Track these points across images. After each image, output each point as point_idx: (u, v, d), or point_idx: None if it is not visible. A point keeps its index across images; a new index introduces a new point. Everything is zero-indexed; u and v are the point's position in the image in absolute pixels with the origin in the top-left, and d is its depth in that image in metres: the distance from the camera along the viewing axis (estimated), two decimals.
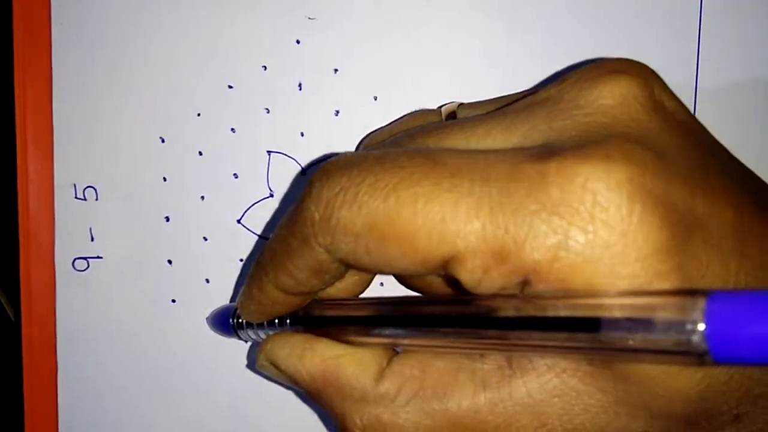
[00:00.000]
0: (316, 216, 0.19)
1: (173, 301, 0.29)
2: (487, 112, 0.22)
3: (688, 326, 0.15)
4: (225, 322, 0.26)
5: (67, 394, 0.29)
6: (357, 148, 0.29)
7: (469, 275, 0.18)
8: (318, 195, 0.19)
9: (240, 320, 0.25)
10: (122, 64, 0.28)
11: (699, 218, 0.17)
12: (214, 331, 0.28)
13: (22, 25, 0.28)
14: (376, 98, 0.29)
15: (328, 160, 0.20)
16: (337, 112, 0.29)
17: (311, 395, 0.22)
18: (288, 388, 0.29)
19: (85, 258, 0.29)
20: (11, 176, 0.28)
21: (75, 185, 0.28)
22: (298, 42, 0.29)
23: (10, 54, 0.28)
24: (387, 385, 0.20)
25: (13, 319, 0.35)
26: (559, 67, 0.29)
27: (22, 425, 0.29)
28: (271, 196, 0.29)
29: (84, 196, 0.29)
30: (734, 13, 0.29)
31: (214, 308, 0.28)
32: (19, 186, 0.28)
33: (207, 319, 0.29)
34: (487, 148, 0.20)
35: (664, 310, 0.15)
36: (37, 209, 0.28)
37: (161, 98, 0.28)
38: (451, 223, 0.17)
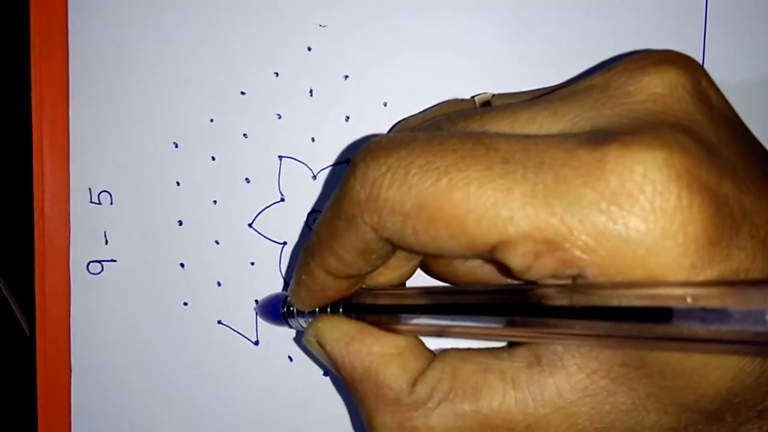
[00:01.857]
0: (362, 195, 0.19)
1: (185, 303, 0.29)
2: (530, 99, 0.22)
3: None
4: (275, 310, 0.26)
5: (80, 392, 0.29)
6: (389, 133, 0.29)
7: (519, 260, 0.18)
8: (363, 175, 0.19)
9: (291, 308, 0.25)
10: (137, 71, 0.29)
11: (747, 213, 0.17)
12: (263, 319, 0.28)
13: (39, 31, 0.28)
14: (385, 104, 0.29)
15: (371, 140, 0.20)
16: (348, 117, 0.29)
17: (347, 383, 0.22)
18: (322, 366, 0.29)
19: (99, 261, 0.29)
20: (27, 180, 0.29)
21: (90, 189, 0.29)
22: (309, 49, 0.29)
23: (27, 60, 0.28)
24: (420, 389, 0.20)
25: (27, 332, 0.36)
26: (566, 71, 0.29)
27: (36, 425, 0.29)
28: (282, 200, 0.29)
29: (99, 200, 0.29)
30: (740, 14, 0.30)
31: (230, 309, 0.29)
32: (35, 190, 0.29)
33: (256, 307, 0.29)
34: (532, 134, 0.19)
35: (739, 300, 0.15)
36: (52, 213, 0.29)
37: (175, 104, 0.29)
38: (503, 208, 0.17)
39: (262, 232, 0.29)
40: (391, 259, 0.22)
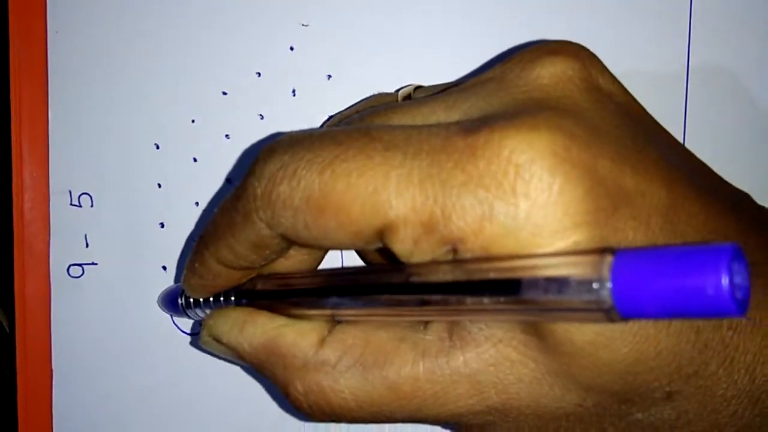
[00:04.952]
0: (258, 191, 0.20)
1: None
2: (438, 92, 0.22)
3: (595, 284, 0.15)
4: (174, 301, 0.26)
5: (61, 397, 0.29)
6: None
7: (401, 245, 0.18)
8: (261, 171, 0.20)
9: (189, 299, 0.25)
10: (117, 71, 0.28)
11: (627, 193, 0.17)
12: (165, 311, 0.28)
13: (18, 33, 0.28)
14: None
15: (275, 139, 0.20)
16: (331, 117, 0.29)
17: (255, 367, 0.22)
18: (231, 362, 0.28)
19: (80, 264, 0.29)
20: (7, 182, 0.28)
21: (70, 192, 0.29)
22: (291, 49, 0.29)
23: (6, 61, 0.28)
24: (328, 352, 0.21)
25: (7, 329, 0.35)
26: None
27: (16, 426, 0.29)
28: None
29: (79, 202, 0.29)
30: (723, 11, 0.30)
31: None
32: (14, 192, 0.28)
33: (157, 299, 0.29)
34: (421, 125, 0.20)
35: (578, 270, 0.16)
36: (32, 216, 0.28)
37: (156, 105, 0.29)
38: (383, 193, 0.18)
39: None
40: (290, 251, 0.22)
